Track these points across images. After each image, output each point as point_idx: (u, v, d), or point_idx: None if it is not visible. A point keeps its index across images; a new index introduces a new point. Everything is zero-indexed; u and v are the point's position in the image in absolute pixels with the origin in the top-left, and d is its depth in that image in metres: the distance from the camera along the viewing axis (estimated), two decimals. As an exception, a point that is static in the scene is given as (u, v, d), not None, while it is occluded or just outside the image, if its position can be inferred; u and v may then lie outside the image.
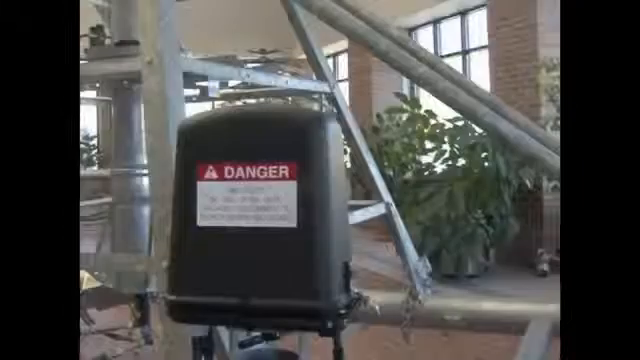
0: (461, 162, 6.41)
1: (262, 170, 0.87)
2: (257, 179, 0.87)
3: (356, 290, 0.92)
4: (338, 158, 0.93)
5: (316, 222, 0.85)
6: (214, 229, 0.88)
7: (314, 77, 2.48)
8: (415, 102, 7.14)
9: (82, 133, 11.39)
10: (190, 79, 1.61)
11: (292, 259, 0.85)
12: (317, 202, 0.86)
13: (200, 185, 0.89)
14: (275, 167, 0.87)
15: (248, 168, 0.88)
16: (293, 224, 0.85)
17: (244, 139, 0.90)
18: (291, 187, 0.86)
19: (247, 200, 0.87)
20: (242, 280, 0.86)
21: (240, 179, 0.88)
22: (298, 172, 0.86)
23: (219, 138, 0.91)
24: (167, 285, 0.89)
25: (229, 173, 0.88)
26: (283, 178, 0.87)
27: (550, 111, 5.86)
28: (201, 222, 0.88)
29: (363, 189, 2.56)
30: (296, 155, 0.87)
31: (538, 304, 2.02)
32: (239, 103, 2.97)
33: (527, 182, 6.10)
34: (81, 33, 1.57)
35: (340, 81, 9.51)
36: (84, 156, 11.26)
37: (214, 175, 0.89)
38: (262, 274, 0.85)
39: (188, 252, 0.89)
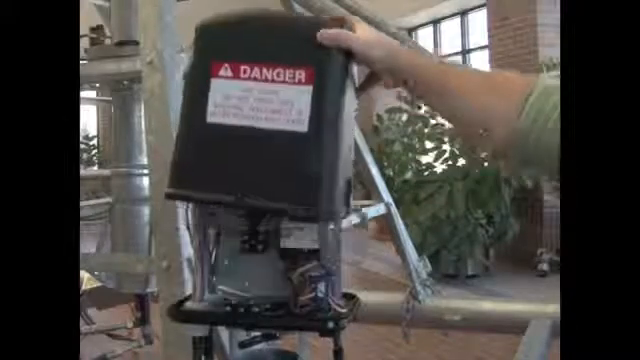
0: (461, 162, 6.41)
1: (279, 73, 0.86)
2: (273, 81, 0.86)
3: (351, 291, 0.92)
4: (352, 68, 0.92)
5: (327, 127, 0.85)
6: (222, 127, 0.86)
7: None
8: (415, 102, 7.13)
9: (82, 133, 11.40)
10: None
11: (298, 163, 0.84)
12: (330, 108, 0.86)
13: (213, 82, 0.87)
14: (292, 71, 0.86)
15: (264, 69, 0.86)
16: (304, 128, 0.84)
17: (263, 41, 0.89)
18: (306, 92, 0.85)
19: (261, 102, 0.86)
20: (244, 178, 0.85)
21: (255, 79, 0.86)
22: (315, 77, 0.85)
23: (238, 37, 0.90)
24: (169, 180, 0.87)
25: (244, 72, 0.87)
26: (299, 82, 0.85)
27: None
28: (210, 119, 0.86)
29: (363, 189, 2.56)
30: (314, 61, 0.86)
31: (538, 304, 2.03)
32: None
33: (527, 182, 6.10)
34: (81, 33, 1.57)
35: (340, 81, 9.48)
36: (84, 156, 11.26)
37: (229, 73, 0.87)
38: (264, 176, 0.84)
39: (193, 148, 0.87)
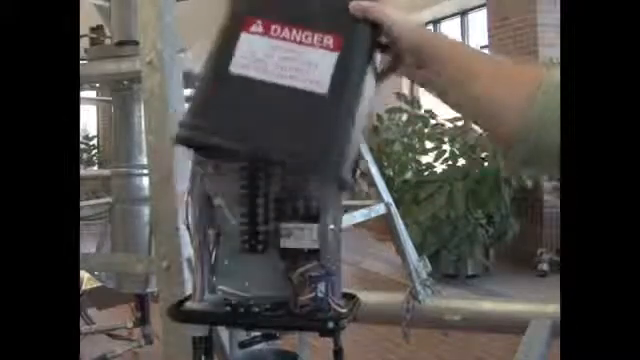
0: (461, 162, 6.41)
1: (307, 36, 0.88)
2: (301, 43, 0.88)
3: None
4: (375, 51, 0.94)
5: (346, 94, 0.86)
6: (243, 78, 0.87)
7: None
8: (415, 102, 7.14)
9: (82, 133, 11.40)
10: (190, 79, 1.61)
11: (314, 124, 0.85)
12: (352, 76, 0.87)
13: (243, 36, 0.89)
14: (320, 35, 0.88)
15: (294, 31, 0.89)
16: (324, 90, 0.85)
17: (297, 3, 0.92)
18: (332, 57, 0.87)
19: (285, 60, 0.88)
20: (258, 129, 0.85)
21: (284, 39, 0.89)
22: (342, 44, 0.87)
23: None
24: (183, 123, 0.88)
25: (275, 31, 0.89)
26: (326, 47, 0.87)
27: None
28: (233, 70, 0.88)
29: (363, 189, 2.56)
30: (343, 28, 0.89)
31: (538, 304, 2.03)
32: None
33: (527, 182, 6.10)
34: (81, 33, 1.57)
35: (340, 81, 9.48)
36: (84, 156, 11.26)
37: (260, 30, 0.89)
38: (279, 131, 0.85)
39: (213, 95, 0.89)
